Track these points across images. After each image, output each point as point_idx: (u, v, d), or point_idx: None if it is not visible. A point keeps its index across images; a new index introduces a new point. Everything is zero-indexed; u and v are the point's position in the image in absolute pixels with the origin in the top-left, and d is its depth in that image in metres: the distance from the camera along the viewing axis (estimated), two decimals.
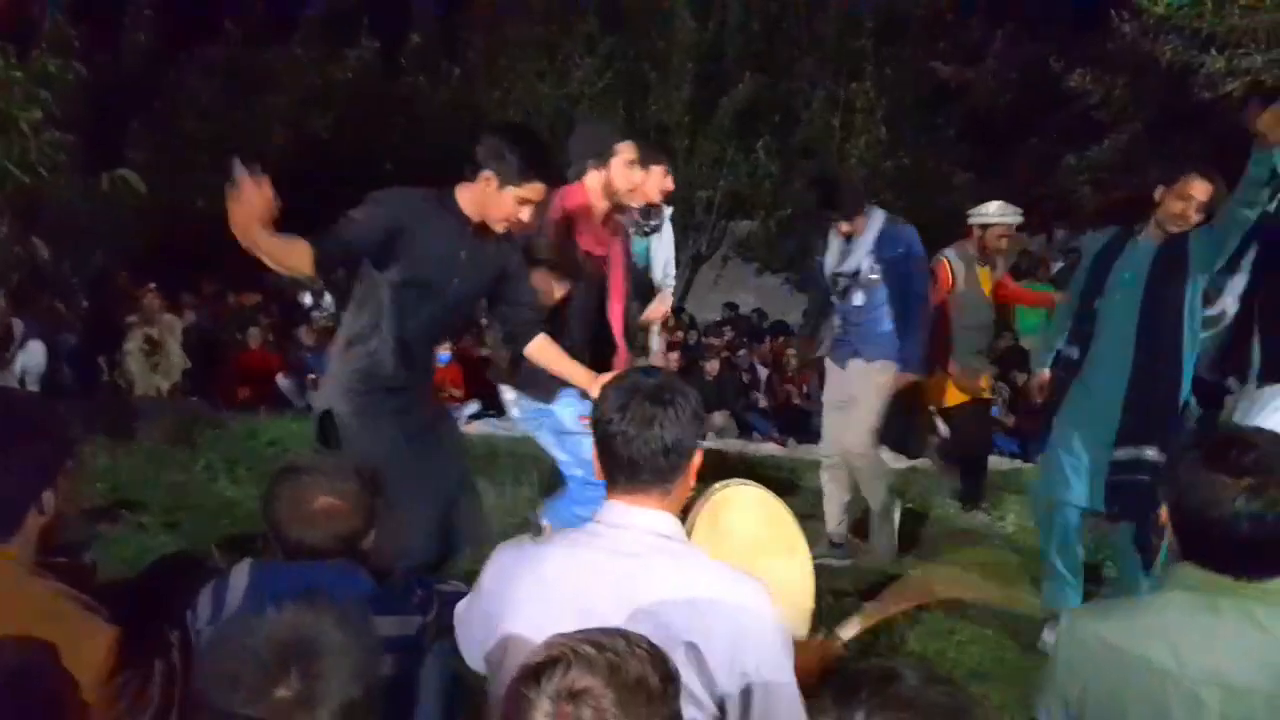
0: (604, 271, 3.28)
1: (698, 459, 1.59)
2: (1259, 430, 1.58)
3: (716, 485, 2.06)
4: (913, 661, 1.16)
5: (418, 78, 12.35)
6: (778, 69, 12.04)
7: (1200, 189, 3.23)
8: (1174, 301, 3.21)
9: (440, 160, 12.77)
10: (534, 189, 2.62)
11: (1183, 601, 1.46)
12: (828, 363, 4.38)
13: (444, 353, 8.99)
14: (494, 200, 2.62)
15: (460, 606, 1.69)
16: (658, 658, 1.12)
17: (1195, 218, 3.23)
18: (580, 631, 1.15)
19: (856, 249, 4.11)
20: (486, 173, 2.60)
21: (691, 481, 1.60)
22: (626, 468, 1.53)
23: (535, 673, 1.07)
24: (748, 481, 2.11)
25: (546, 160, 2.68)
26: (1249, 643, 1.39)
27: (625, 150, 3.18)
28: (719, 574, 1.52)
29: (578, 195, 3.18)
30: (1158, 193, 3.31)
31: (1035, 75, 9.63)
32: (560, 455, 3.27)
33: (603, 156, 3.14)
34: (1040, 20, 10.29)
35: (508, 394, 3.32)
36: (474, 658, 1.62)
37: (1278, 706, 1.34)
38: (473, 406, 8.00)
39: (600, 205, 3.22)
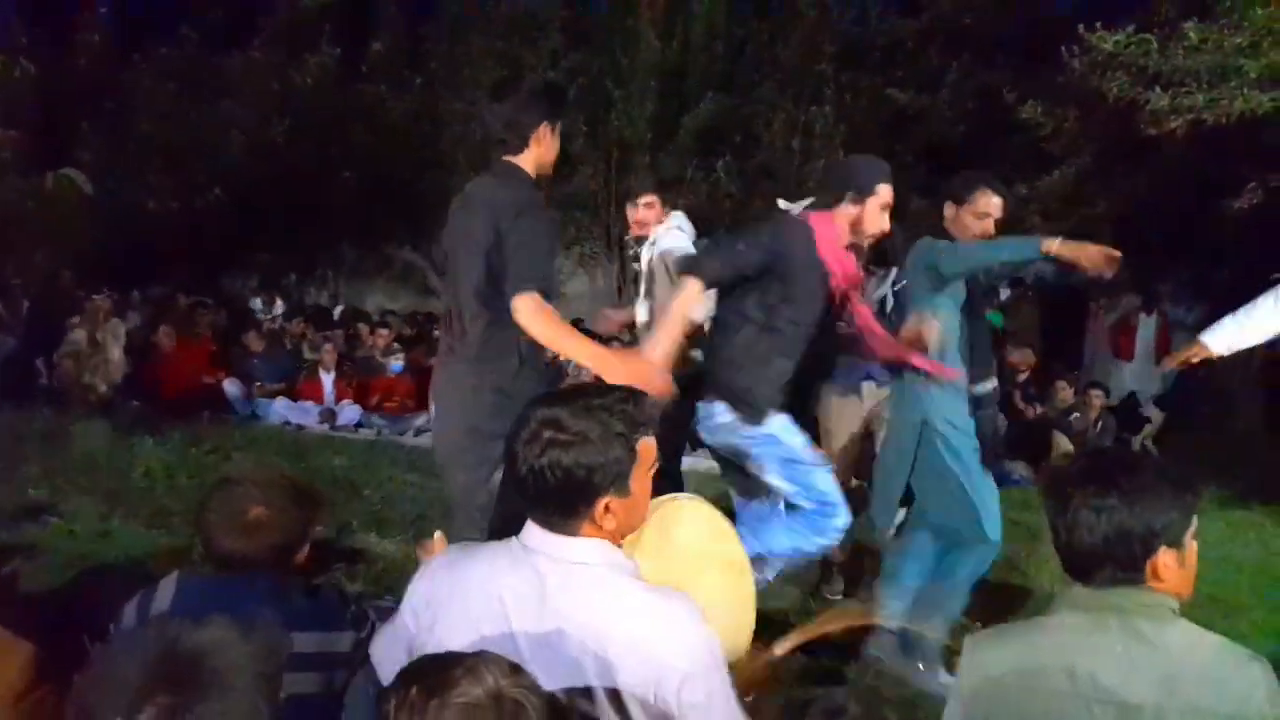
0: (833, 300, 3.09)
1: (606, 503, 1.45)
2: (1122, 447, 1.65)
3: (664, 498, 2.05)
4: (860, 693, 1.15)
5: (379, 86, 12.24)
6: (739, 90, 12.16)
7: (996, 205, 3.25)
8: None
9: (400, 169, 12.63)
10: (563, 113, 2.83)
11: (1074, 622, 1.49)
12: (830, 384, 4.16)
13: (396, 363, 8.91)
14: (549, 148, 2.80)
15: (386, 628, 1.63)
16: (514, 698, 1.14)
17: (991, 231, 3.26)
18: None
19: (884, 280, 4.13)
20: (541, 128, 2.75)
21: (606, 523, 1.47)
22: (528, 495, 1.46)
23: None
24: (693, 496, 2.12)
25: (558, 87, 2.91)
26: (1137, 657, 1.42)
27: (885, 193, 3.03)
28: (642, 601, 1.44)
29: (823, 221, 3.03)
30: (948, 211, 3.31)
31: (989, 106, 9.84)
32: (786, 486, 2.98)
33: (863, 192, 2.99)
34: (995, 52, 10.53)
35: (719, 413, 3.00)
36: (389, 676, 1.55)
37: (1164, 717, 1.37)
38: (423, 417, 7.92)
39: (843, 240, 3.06)
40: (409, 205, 11.89)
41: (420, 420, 7.84)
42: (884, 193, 3.00)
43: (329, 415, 8.25)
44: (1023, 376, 8.47)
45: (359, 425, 8.20)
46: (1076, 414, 7.71)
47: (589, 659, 1.38)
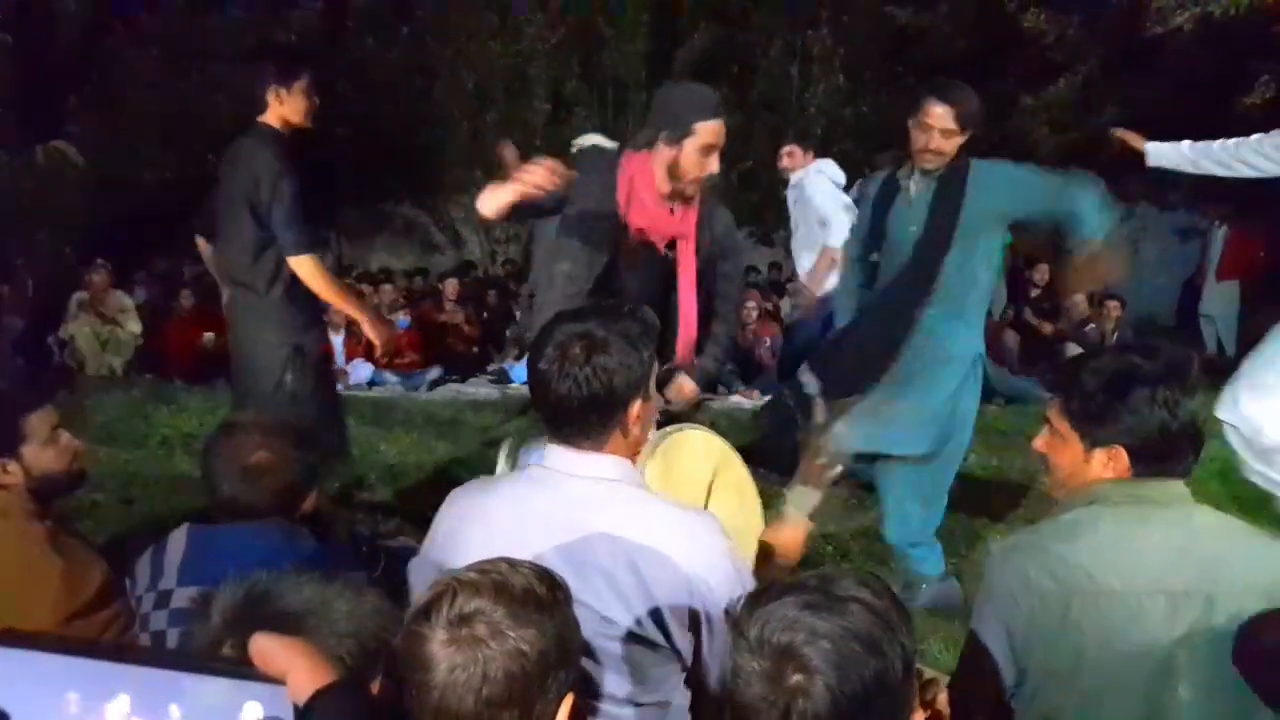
0: (662, 257, 2.69)
1: (637, 408, 1.51)
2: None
3: (668, 429, 2.05)
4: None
5: (365, 39, 12.00)
6: (733, 19, 11.88)
7: (939, 115, 2.74)
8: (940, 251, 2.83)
9: (394, 124, 12.39)
10: (304, 73, 3.22)
11: (1112, 518, 1.47)
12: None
13: (403, 318, 8.88)
14: (291, 104, 3.21)
15: (414, 560, 1.66)
16: (541, 571, 1.14)
17: (945, 146, 2.77)
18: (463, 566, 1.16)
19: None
20: (272, 90, 3.19)
21: (635, 428, 1.52)
22: (555, 414, 1.49)
23: (425, 610, 1.07)
24: (697, 425, 2.10)
25: (292, 51, 3.34)
26: (1180, 547, 1.42)
27: (705, 133, 2.51)
28: (668, 515, 1.49)
29: (640, 164, 2.62)
30: (910, 124, 2.84)
31: (991, 18, 9.60)
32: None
33: (677, 132, 2.51)
34: None
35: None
36: None
37: (1215, 603, 1.36)
38: (434, 372, 7.93)
39: (664, 186, 2.62)
40: (406, 160, 11.72)
41: (432, 375, 7.85)
42: (704, 132, 2.49)
43: (341, 375, 8.24)
44: (1036, 292, 8.38)
45: (371, 383, 8.20)
46: (1092, 325, 7.63)
47: (621, 573, 1.41)
